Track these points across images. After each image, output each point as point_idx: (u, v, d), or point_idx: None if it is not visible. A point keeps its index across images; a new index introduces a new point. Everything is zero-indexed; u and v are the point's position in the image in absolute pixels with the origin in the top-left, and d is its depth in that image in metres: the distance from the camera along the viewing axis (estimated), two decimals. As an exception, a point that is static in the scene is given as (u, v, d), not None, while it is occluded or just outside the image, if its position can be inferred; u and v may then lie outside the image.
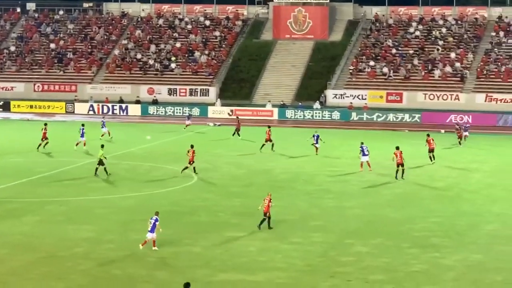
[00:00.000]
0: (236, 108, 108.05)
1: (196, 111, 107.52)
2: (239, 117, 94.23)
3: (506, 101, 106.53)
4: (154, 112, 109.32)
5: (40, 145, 77.19)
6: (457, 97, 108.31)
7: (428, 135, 75.38)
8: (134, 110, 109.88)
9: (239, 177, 66.99)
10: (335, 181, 66.20)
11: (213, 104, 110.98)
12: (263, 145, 78.85)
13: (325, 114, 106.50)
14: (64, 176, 67.09)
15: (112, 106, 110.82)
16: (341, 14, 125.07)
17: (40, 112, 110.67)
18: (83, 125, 76.07)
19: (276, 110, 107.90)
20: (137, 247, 47.02)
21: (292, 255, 45.90)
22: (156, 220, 46.72)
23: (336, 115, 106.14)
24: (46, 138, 77.53)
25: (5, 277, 41.83)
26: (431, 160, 73.73)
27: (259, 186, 64.14)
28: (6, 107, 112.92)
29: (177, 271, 42.84)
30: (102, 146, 68.58)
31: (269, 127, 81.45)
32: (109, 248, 46.87)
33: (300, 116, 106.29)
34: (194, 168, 67.23)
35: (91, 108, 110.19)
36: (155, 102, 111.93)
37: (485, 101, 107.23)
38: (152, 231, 46.47)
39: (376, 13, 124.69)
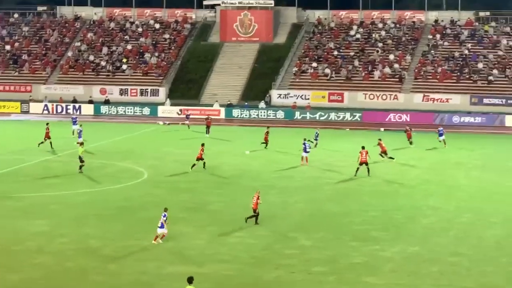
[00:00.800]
0: (185, 107, 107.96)
1: (147, 110, 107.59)
2: (210, 116, 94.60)
3: (442, 100, 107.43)
4: (106, 112, 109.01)
5: (42, 143, 76.99)
6: (396, 97, 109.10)
7: (379, 140, 75.17)
8: (87, 109, 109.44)
9: (187, 174, 67.00)
10: (280, 177, 66.47)
11: (162, 104, 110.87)
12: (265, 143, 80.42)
13: (270, 113, 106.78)
14: (20, 173, 66.81)
15: (66, 106, 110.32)
16: (285, 18, 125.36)
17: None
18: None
19: (223, 109, 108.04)
20: (90, 241, 46.90)
21: (238, 248, 46.10)
22: (164, 216, 47.06)
23: (280, 114, 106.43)
24: (49, 137, 77.37)
25: (-37, 271, 41.73)
26: (383, 157, 73.40)
27: (206, 182, 64.35)
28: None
29: (127, 264, 42.89)
30: (82, 144, 69.84)
31: (268, 128, 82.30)
32: (63, 242, 46.76)
33: (246, 115, 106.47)
34: (204, 163, 67.98)
35: (45, 108, 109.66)
36: (107, 102, 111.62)
37: (423, 100, 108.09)
38: (162, 226, 46.76)
39: (318, 16, 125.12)
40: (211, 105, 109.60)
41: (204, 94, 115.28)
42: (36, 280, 40.40)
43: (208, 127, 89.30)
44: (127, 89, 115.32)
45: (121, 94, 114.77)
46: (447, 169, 70.95)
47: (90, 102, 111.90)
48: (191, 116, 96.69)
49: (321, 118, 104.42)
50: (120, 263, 43.02)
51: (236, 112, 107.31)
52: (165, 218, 47.26)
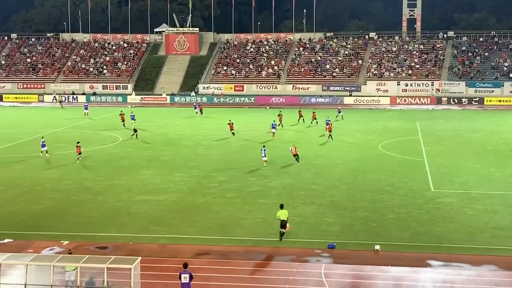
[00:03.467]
0: (144, 96, 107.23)
1: (120, 98, 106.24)
2: (201, 103, 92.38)
3: (304, 89, 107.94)
4: (94, 100, 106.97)
5: (124, 125, 73.16)
6: (276, 87, 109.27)
7: (329, 122, 66.73)
8: (81, 98, 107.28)
9: (147, 138, 66.40)
10: (204, 139, 66.21)
11: (130, 94, 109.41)
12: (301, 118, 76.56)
13: (198, 99, 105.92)
14: (39, 140, 65.49)
15: (67, 96, 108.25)
16: (206, 39, 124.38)
17: (22, 101, 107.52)
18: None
19: (168, 97, 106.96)
20: (86, 182, 46.33)
21: (180, 183, 46.04)
22: (264, 150, 52.08)
23: (204, 99, 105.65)
24: (123, 121, 73.64)
25: (2, 203, 41.10)
26: (330, 139, 63.85)
27: (159, 143, 63.93)
28: (0, 98, 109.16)
29: (110, 196, 42.58)
30: (133, 117, 70.40)
31: (300, 110, 79.31)
32: (68, 184, 46.21)
33: (183, 100, 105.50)
34: (233, 133, 66.30)
35: (54, 98, 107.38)
36: (94, 94, 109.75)
37: (292, 89, 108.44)
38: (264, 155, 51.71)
39: (227, 38, 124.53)
40: (161, 94, 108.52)
41: (156, 88, 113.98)
42: (51, 208, 39.93)
43: (201, 110, 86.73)
44: (107, 85, 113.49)
45: (103, 88, 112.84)
46: (309, 131, 71.19)
47: (83, 94, 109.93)
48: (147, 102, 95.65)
49: (230, 101, 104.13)
50: (105, 195, 42.70)
51: (177, 99, 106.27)
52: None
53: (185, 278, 25.27)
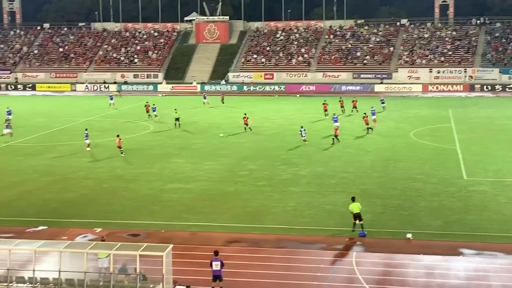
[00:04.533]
0: (175, 85, 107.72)
1: (151, 87, 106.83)
2: (224, 94, 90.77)
3: (335, 76, 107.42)
4: (125, 89, 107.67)
5: (149, 116, 71.88)
6: (306, 75, 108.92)
7: (365, 114, 63.36)
8: (113, 88, 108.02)
9: (177, 127, 66.64)
10: (234, 127, 66.14)
11: (160, 83, 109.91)
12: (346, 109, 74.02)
13: (228, 87, 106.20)
14: (71, 129, 66.28)
15: (99, 85, 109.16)
16: (236, 27, 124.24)
17: (54, 90, 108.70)
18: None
19: (198, 85, 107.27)
20: (118, 170, 46.77)
21: (210, 171, 46.23)
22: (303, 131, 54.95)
23: (234, 87, 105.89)
24: (148, 111, 72.70)
25: (36, 191, 41.61)
26: (368, 132, 61.03)
27: (190, 131, 64.20)
28: (33, 87, 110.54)
29: (142, 184, 42.94)
30: (176, 109, 67.44)
31: (354, 99, 77.12)
32: (100, 172, 46.69)
33: (213, 88, 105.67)
34: (250, 128, 62.82)
35: (86, 87, 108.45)
36: (125, 83, 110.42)
37: (323, 77, 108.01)
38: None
39: (256, 26, 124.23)
40: (191, 83, 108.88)
41: (186, 76, 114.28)
42: (84, 195, 40.39)
43: (222, 99, 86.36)
44: (138, 74, 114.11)
45: (134, 77, 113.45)
46: (348, 120, 70.51)
47: (115, 82, 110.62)
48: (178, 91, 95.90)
49: (260, 89, 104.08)
50: (137, 183, 43.06)
51: (206, 87, 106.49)
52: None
53: (216, 265, 25.43)
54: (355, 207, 32.72)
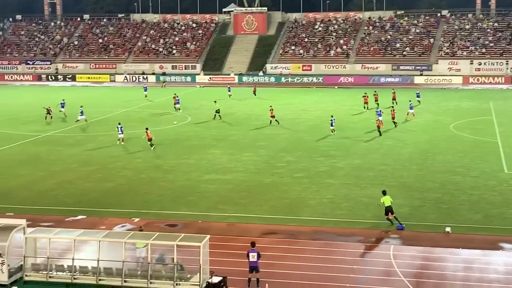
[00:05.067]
0: (212, 76, 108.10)
1: (189, 78, 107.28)
2: (256, 85, 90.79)
3: (373, 68, 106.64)
4: (163, 80, 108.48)
5: (176, 109, 71.10)
6: (344, 67, 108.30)
7: (393, 108, 63.24)
8: (151, 79, 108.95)
9: (215, 118, 66.76)
10: (273, 119, 66.19)
11: (198, 74, 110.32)
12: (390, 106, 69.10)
13: (266, 79, 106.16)
14: (109, 119, 66.91)
15: (138, 76, 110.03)
16: (274, 18, 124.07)
17: (94, 81, 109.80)
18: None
19: (236, 77, 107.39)
20: (156, 161, 47.13)
21: (248, 163, 46.32)
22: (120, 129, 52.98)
23: (272, 79, 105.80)
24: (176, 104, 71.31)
25: (76, 180, 42.10)
26: (395, 126, 59.46)
27: (228, 123, 64.31)
28: (73, 78, 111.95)
29: (179, 175, 43.20)
30: (215, 101, 67.47)
31: (394, 90, 76.12)
32: (138, 162, 47.10)
33: (250, 80, 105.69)
34: (276, 120, 61.80)
35: (125, 78, 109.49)
36: (164, 74, 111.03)
37: (361, 68, 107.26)
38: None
39: (295, 17, 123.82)
40: (229, 74, 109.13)
41: (224, 68, 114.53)
42: (122, 185, 40.79)
43: (254, 91, 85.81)
44: (176, 65, 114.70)
45: (172, 69, 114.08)
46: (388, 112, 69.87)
47: (153, 73, 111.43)
48: (215, 81, 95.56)
49: (298, 81, 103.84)
50: (174, 174, 43.35)
51: (244, 78, 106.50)
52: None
53: (253, 256, 25.49)
54: (387, 200, 32.37)
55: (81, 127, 62.35)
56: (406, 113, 64.31)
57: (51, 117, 65.67)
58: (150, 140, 51.56)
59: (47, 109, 65.96)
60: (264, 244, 29.08)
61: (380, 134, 55.44)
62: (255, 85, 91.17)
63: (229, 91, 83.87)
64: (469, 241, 30.00)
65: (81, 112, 63.56)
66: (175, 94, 75.03)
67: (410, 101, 67.08)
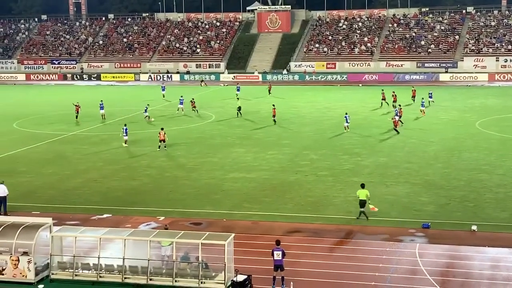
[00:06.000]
0: (236, 74, 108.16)
1: (213, 77, 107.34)
2: (271, 84, 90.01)
3: (398, 66, 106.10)
4: (187, 78, 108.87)
5: (194, 108, 69.14)
6: (369, 64, 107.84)
7: (400, 106, 62.90)
8: (176, 77, 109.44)
9: (239, 116, 66.85)
10: (296, 117, 66.31)
11: (222, 73, 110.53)
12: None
13: (290, 77, 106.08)
14: (133, 118, 67.20)
15: (162, 75, 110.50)
16: (298, 16, 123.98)
17: (118, 80, 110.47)
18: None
19: (260, 75, 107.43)
20: (180, 159, 47.27)
21: (272, 161, 46.30)
22: (125, 129, 52.09)
23: (296, 77, 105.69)
24: (194, 107, 69.26)
25: (101, 179, 42.33)
26: (401, 123, 58.90)
27: (251, 121, 64.32)
28: (98, 77, 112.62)
29: (203, 173, 43.27)
30: (237, 98, 68.83)
31: (413, 87, 75.62)
32: (162, 161, 47.25)
33: (275, 78, 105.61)
34: (274, 120, 61.57)
35: (150, 77, 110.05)
36: (188, 73, 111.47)
37: (386, 66, 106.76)
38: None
39: (319, 15, 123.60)
40: (253, 73, 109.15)
41: (248, 66, 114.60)
42: (147, 184, 40.95)
43: (269, 89, 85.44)
44: (200, 64, 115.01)
45: (196, 67, 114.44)
46: (407, 109, 69.54)
47: (177, 72, 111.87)
48: (239, 80, 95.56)
49: (322, 79, 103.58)
50: (198, 172, 43.42)
51: (268, 77, 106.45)
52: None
53: (277, 255, 25.45)
54: (362, 194, 32.78)
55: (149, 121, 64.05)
56: (419, 110, 64.91)
57: (76, 116, 65.89)
58: (162, 141, 50.55)
59: (75, 105, 66.04)
60: (288, 242, 29.04)
61: (398, 133, 55.10)
62: (270, 83, 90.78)
63: (238, 90, 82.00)
64: (496, 240, 29.71)
65: (145, 109, 65.16)
66: (192, 98, 72.52)
67: (422, 98, 67.59)
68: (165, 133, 50.73)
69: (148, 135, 56.18)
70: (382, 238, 30.38)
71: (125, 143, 52.29)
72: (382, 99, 71.36)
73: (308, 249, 29.01)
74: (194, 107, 69.76)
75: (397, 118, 56.90)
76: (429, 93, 73.58)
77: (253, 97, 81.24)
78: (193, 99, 71.54)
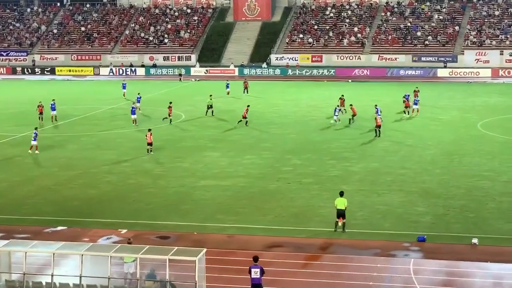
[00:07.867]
0: (209, 68, 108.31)
1: (182, 71, 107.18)
2: (247, 80, 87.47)
3: (392, 59, 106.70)
4: (154, 73, 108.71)
5: (168, 119, 63.60)
6: (359, 58, 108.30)
7: (406, 99, 66.15)
8: (140, 71, 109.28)
9: (212, 116, 66.82)
10: (277, 116, 66.36)
11: (194, 66, 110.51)
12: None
13: (270, 71, 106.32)
14: (93, 117, 66.98)
15: (125, 69, 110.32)
16: (280, 2, 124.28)
17: (75, 74, 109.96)
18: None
19: (236, 69, 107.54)
20: (145, 164, 47.16)
21: (250, 166, 46.33)
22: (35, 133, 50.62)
23: (277, 71, 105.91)
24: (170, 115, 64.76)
25: (55, 186, 42.14)
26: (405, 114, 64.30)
27: (226, 121, 64.33)
28: (52, 71, 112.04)
29: (171, 180, 43.21)
30: (211, 95, 67.59)
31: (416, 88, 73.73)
32: (126, 166, 47.14)
33: (253, 72, 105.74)
34: (244, 120, 61.39)
35: (111, 71, 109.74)
36: (154, 66, 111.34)
37: (378, 60, 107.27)
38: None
39: (303, 2, 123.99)
40: (228, 66, 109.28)
41: (223, 59, 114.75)
42: (107, 192, 40.83)
43: (245, 87, 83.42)
44: (168, 56, 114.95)
45: (164, 60, 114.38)
46: (398, 109, 70.11)
47: (142, 66, 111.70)
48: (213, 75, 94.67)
49: (306, 74, 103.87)
50: (166, 179, 43.37)
51: (246, 71, 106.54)
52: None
53: (255, 272, 25.49)
54: (340, 203, 33.02)
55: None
56: (412, 109, 65.45)
57: (41, 118, 63.97)
58: (149, 144, 50.39)
59: (38, 106, 64.09)
60: (268, 258, 29.11)
61: (379, 135, 55.21)
62: (246, 79, 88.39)
63: (228, 87, 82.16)
64: (498, 254, 30.01)
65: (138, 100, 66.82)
66: (170, 102, 66.45)
67: (415, 97, 68.14)
68: (151, 135, 50.50)
69: (109, 137, 55.95)
70: (373, 253, 30.56)
71: (35, 150, 50.93)
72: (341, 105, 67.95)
73: (289, 266, 29.10)
74: (170, 115, 63.74)
75: (379, 116, 56.69)
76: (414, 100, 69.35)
77: (227, 94, 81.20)
78: (170, 103, 64.88)
